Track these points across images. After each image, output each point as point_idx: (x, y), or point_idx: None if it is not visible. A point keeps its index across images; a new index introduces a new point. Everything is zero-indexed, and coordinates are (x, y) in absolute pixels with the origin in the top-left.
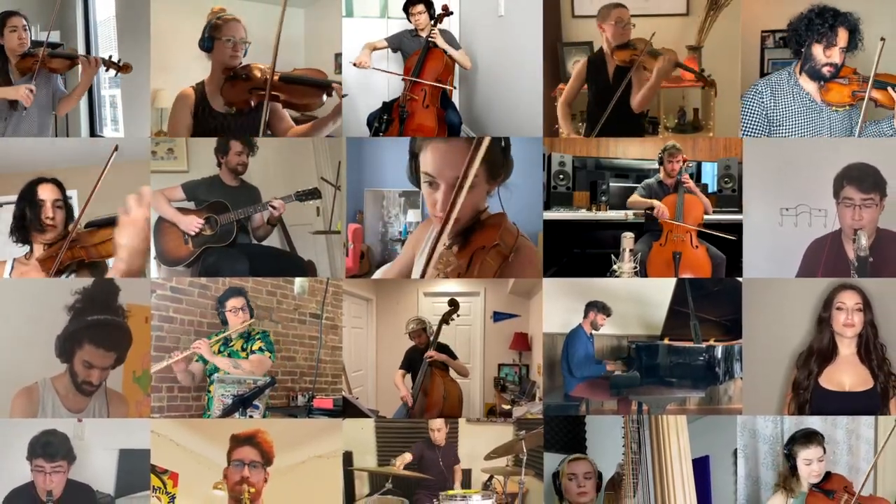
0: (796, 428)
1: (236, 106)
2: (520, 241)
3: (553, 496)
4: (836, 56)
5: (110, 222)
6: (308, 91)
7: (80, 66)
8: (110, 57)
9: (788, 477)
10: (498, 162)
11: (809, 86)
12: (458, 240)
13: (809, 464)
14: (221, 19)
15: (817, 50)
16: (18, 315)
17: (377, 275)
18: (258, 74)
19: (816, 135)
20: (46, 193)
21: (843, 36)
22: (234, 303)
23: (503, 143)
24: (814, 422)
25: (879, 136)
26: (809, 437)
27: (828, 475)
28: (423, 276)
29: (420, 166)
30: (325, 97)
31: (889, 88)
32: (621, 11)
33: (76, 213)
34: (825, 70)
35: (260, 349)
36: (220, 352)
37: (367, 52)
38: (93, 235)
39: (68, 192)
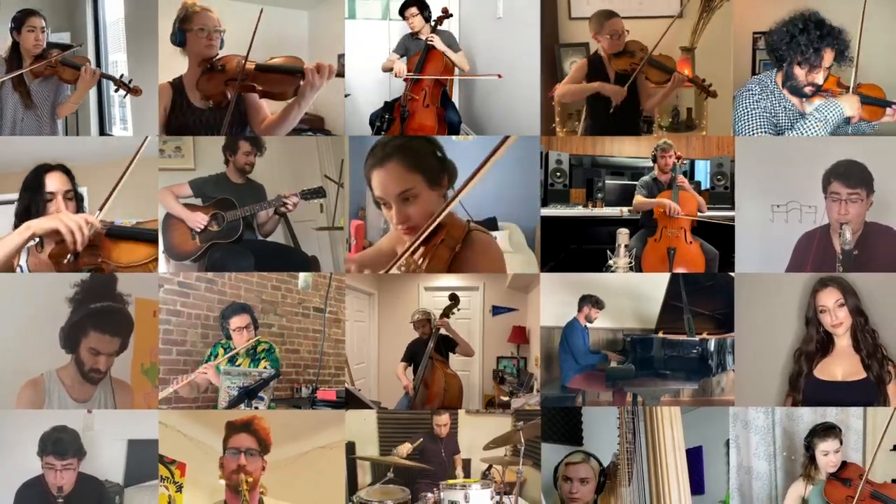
0: (788, 420)
1: (213, 99)
2: (472, 235)
3: (553, 490)
4: (819, 78)
5: (134, 235)
6: (283, 79)
7: (80, 74)
8: (122, 76)
9: (808, 466)
10: (433, 168)
11: (792, 98)
12: (422, 242)
13: (827, 455)
14: (191, 10)
15: (799, 71)
16: (23, 309)
17: (357, 257)
18: (233, 65)
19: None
20: (55, 184)
21: (828, 57)
22: (237, 322)
23: (438, 153)
24: (804, 414)
25: (860, 133)
26: (828, 432)
27: (843, 464)
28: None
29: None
30: (301, 83)
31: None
32: (614, 23)
33: (86, 205)
34: (807, 89)
35: (266, 369)
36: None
37: (400, 64)
38: (116, 247)
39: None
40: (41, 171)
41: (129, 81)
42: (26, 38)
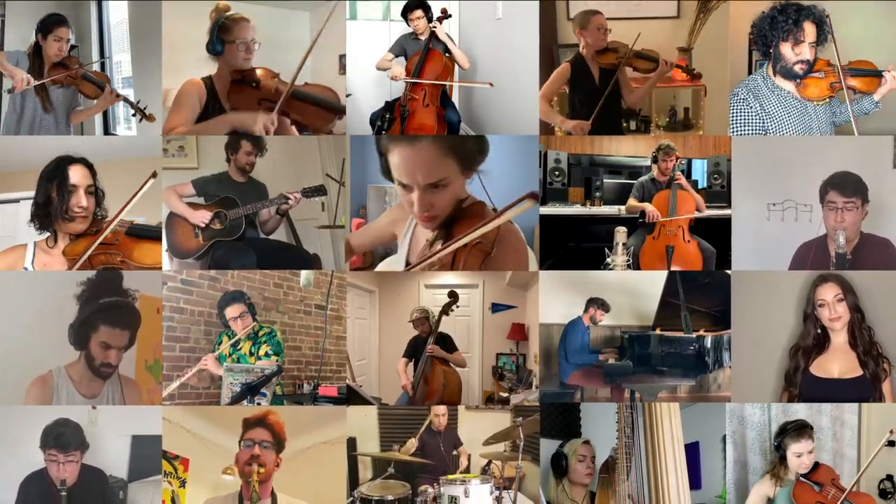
0: (783, 415)
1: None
2: (502, 231)
3: (550, 475)
4: (805, 52)
5: (157, 235)
6: (320, 113)
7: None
8: (139, 102)
9: (777, 465)
10: (470, 151)
11: (787, 85)
12: (441, 232)
13: (800, 456)
14: (229, 20)
15: (785, 48)
16: (30, 307)
17: (356, 236)
18: (269, 84)
19: (806, 131)
20: (78, 177)
21: (810, 31)
22: (232, 311)
23: (476, 141)
24: (799, 409)
25: (863, 114)
26: (800, 432)
27: (816, 466)
28: (406, 268)
29: (390, 168)
30: (336, 121)
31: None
32: (600, 18)
33: (106, 202)
34: (797, 68)
35: (266, 354)
36: (229, 355)
37: (397, 66)
38: (137, 246)
39: None
40: (63, 162)
41: (145, 108)
42: (50, 46)
